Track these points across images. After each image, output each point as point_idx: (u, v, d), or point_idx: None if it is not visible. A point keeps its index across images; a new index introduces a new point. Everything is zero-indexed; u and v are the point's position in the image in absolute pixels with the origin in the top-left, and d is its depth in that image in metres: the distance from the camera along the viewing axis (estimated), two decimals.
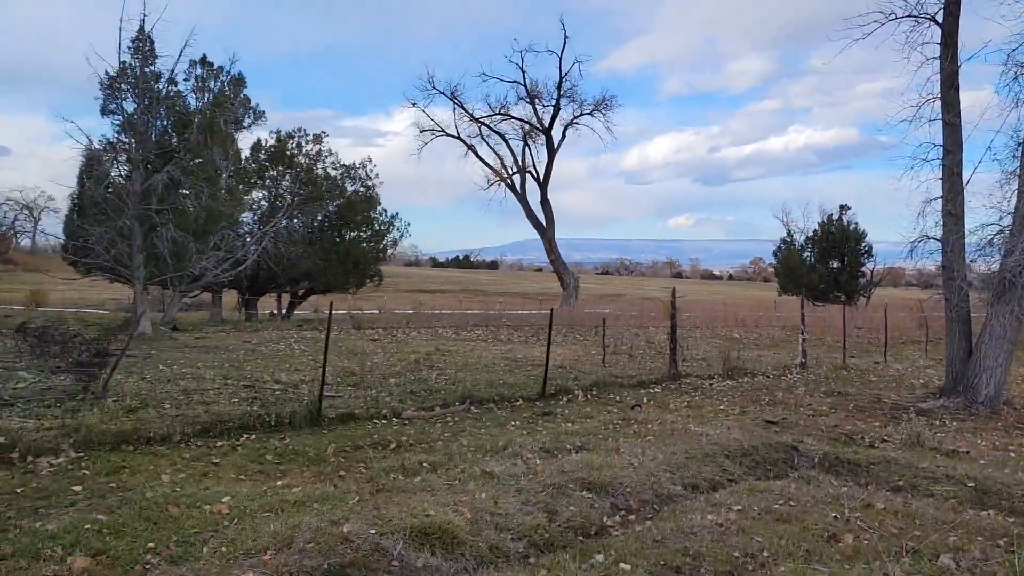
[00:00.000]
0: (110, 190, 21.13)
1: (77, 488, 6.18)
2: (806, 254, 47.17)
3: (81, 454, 7.19)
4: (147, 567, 4.61)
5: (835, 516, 5.90)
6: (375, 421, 9.37)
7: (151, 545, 4.93)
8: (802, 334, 16.67)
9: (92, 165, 22.70)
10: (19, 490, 6.06)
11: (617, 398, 11.75)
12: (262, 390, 10.72)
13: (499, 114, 46.34)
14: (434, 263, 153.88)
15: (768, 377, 14.81)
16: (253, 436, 8.34)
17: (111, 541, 4.97)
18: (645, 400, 11.54)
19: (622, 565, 4.87)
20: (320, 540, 4.97)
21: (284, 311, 33.84)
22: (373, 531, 5.14)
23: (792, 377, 14.88)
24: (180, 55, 20.72)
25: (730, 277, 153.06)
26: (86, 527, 5.18)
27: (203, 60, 23.65)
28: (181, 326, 23.64)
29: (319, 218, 31.54)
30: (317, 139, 33.41)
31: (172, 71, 21.33)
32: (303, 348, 17.33)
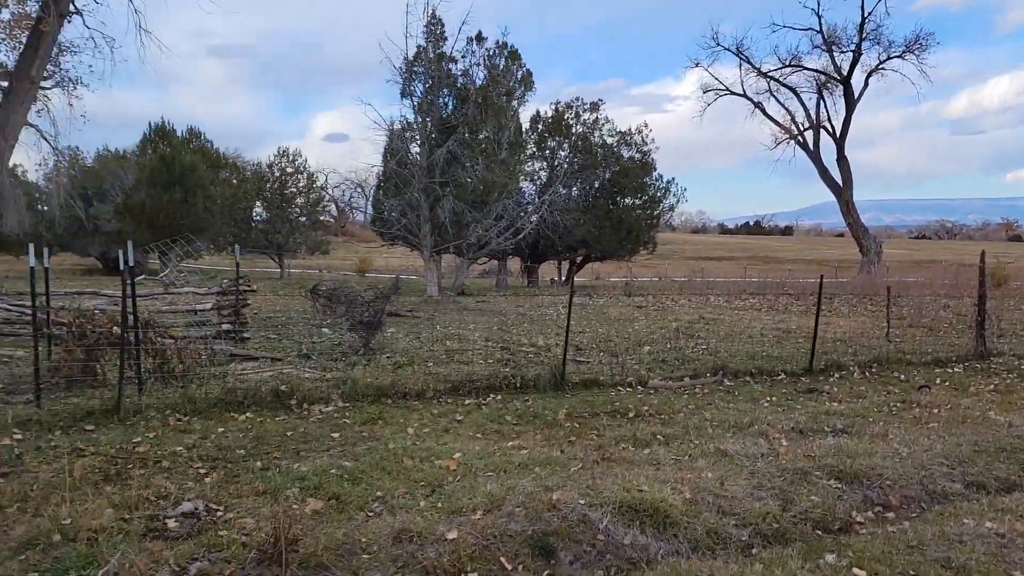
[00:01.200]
0: (406, 167, 23.33)
1: (335, 435, 6.83)
2: None
3: (347, 404, 7.98)
4: (370, 515, 4.90)
5: None
6: (619, 388, 9.20)
7: (379, 494, 5.24)
8: None
9: (393, 144, 25.23)
10: (289, 433, 6.86)
11: (902, 377, 10.28)
12: (516, 352, 11.09)
13: (789, 66, 42.88)
14: (722, 230, 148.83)
15: None
16: (499, 396, 8.62)
17: (347, 487, 5.37)
18: (937, 381, 9.95)
19: (856, 570, 4.18)
20: (529, 505, 4.93)
21: (564, 277, 34.98)
22: (582, 501, 4.99)
23: None
24: (459, 33, 22.02)
25: None
26: (331, 472, 5.67)
27: (478, 36, 24.99)
28: (468, 291, 25.48)
29: (595, 186, 31.93)
30: (594, 107, 33.76)
31: (451, 49, 22.75)
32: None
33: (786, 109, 44.03)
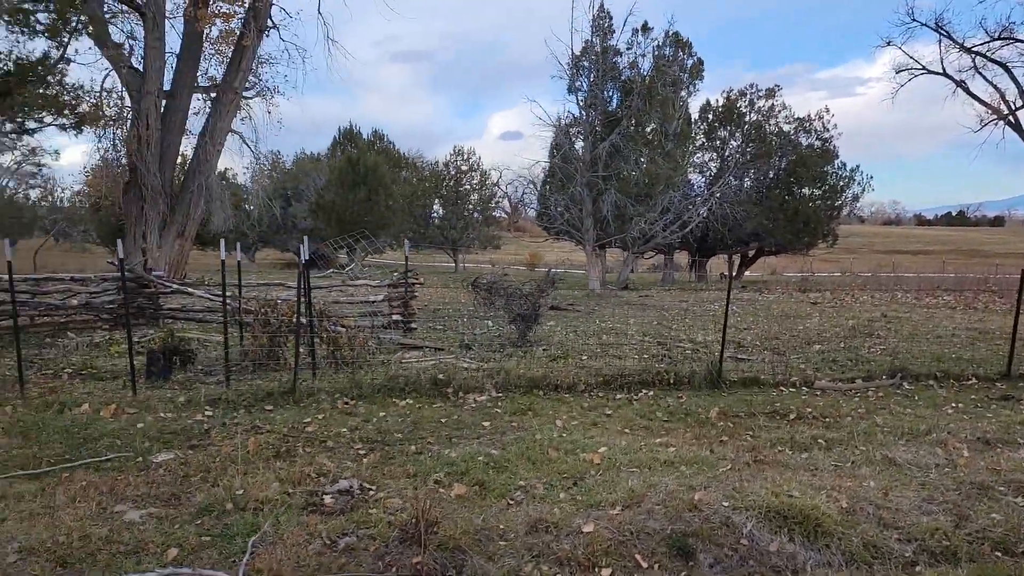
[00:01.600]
0: (570, 162, 23.49)
1: (486, 424, 7.03)
2: None
3: (500, 394, 8.18)
4: (511, 503, 5.01)
5: None
6: (781, 388, 8.73)
7: (522, 483, 5.34)
8: None
9: (558, 140, 25.47)
10: (444, 420, 7.14)
11: None
12: (672, 348, 10.84)
13: (999, 39, 38.46)
14: (919, 221, 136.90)
15: None
16: (651, 392, 8.47)
17: (492, 474, 5.51)
18: None
19: None
20: (670, 504, 4.83)
21: (735, 272, 33.74)
22: (726, 504, 4.82)
23: None
24: (624, 24, 21.80)
25: None
26: (479, 459, 5.84)
27: (643, 27, 24.53)
28: (632, 286, 25.22)
29: (769, 176, 30.42)
30: (770, 94, 32.21)
31: (617, 41, 22.58)
32: (735, 309, 17.00)
33: (994, 87, 39.51)
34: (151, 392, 7.85)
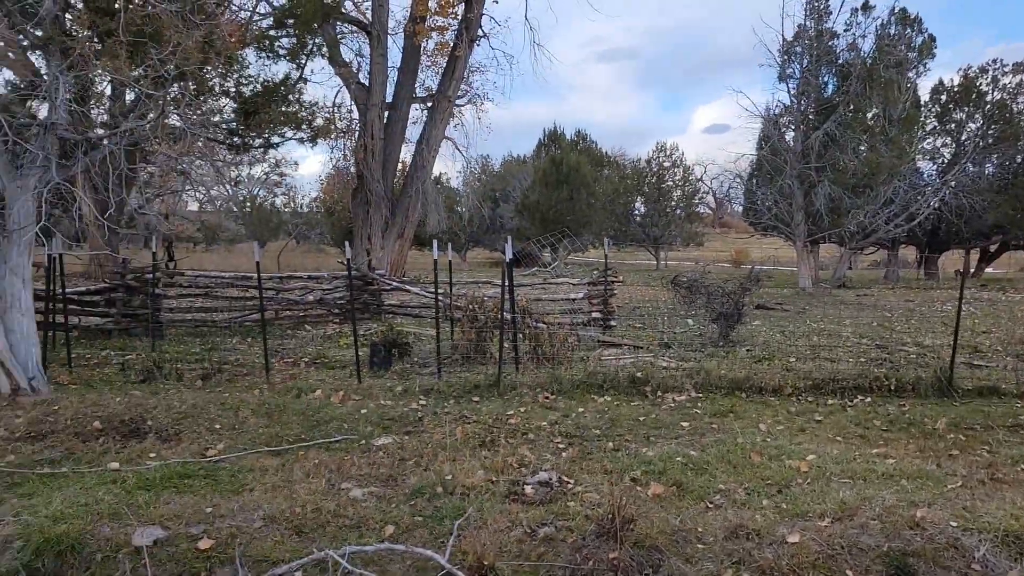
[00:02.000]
0: (779, 154, 22.35)
1: (685, 424, 6.93)
2: None
3: (699, 395, 8.01)
4: (710, 506, 4.92)
5: None
6: None
7: (721, 487, 5.22)
8: None
9: (766, 131, 24.33)
10: (642, 418, 7.13)
11: None
12: (894, 352, 9.98)
13: None
14: None
15: None
16: (868, 399, 7.89)
17: (690, 476, 5.44)
18: None
19: None
20: (887, 519, 4.51)
21: (972, 269, 30.25)
22: (954, 524, 4.41)
23: None
24: (842, 5, 20.32)
25: None
26: (677, 459, 5.78)
27: (864, 6, 22.59)
28: (849, 284, 23.50)
29: (1016, 161, 26.93)
30: (1018, 69, 28.56)
31: (834, 23, 21.12)
32: (971, 310, 15.28)
33: None
34: (373, 381, 8.58)
